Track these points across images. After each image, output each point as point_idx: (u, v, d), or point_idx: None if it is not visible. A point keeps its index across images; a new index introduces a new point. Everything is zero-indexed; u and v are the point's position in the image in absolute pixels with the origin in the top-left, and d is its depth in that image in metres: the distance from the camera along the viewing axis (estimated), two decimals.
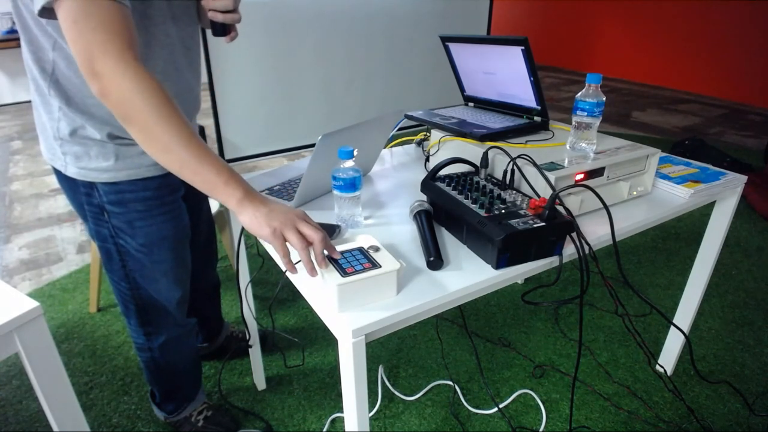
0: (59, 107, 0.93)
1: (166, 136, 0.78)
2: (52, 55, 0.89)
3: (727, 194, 1.30)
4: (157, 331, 1.21)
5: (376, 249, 0.84)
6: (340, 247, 0.85)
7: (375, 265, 0.80)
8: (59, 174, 1.02)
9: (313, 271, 0.80)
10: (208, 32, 1.05)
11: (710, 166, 1.34)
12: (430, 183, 1.05)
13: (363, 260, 0.81)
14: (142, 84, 0.76)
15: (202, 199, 1.32)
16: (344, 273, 0.78)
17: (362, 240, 0.88)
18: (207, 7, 0.99)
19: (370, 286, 0.79)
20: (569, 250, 0.93)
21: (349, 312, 0.77)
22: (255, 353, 1.51)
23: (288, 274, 0.93)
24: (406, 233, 1.01)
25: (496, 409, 1.50)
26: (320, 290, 0.83)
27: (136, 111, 0.77)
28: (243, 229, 1.10)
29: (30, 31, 0.88)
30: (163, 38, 0.97)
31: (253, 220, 0.81)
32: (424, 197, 1.09)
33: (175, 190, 1.10)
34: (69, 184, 1.02)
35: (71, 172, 0.99)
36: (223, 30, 1.03)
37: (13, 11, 0.88)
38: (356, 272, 0.78)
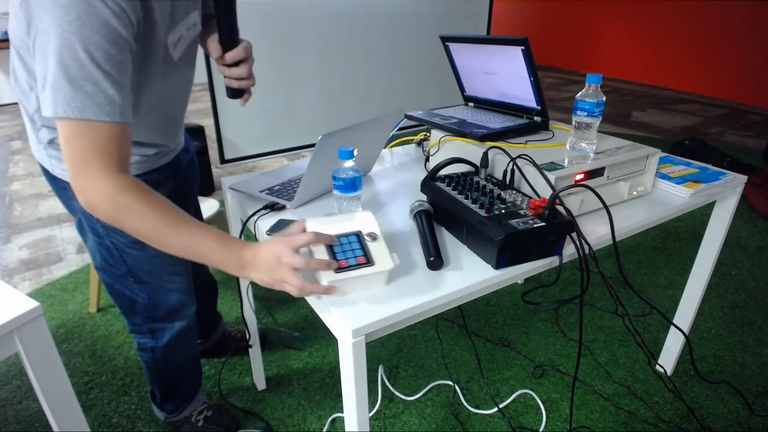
0: (41, 120, 0.94)
1: (154, 241, 0.82)
2: None
3: (727, 194, 1.30)
4: (162, 327, 1.21)
5: (374, 237, 0.83)
6: (337, 228, 0.83)
7: (369, 260, 0.80)
8: (47, 173, 1.03)
9: (330, 289, 0.79)
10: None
11: (710, 166, 1.34)
12: (430, 183, 1.05)
13: (358, 251, 0.81)
14: (119, 202, 0.79)
15: (190, 195, 1.31)
16: (337, 263, 0.78)
17: (361, 220, 0.86)
18: (222, 73, 1.03)
19: (359, 281, 0.79)
20: (569, 250, 0.93)
21: (346, 309, 0.77)
22: (255, 353, 1.51)
23: None
24: (406, 233, 1.01)
25: (496, 409, 1.50)
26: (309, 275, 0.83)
27: (119, 224, 0.81)
28: (243, 229, 1.11)
29: (23, 59, 0.87)
30: (155, 98, 0.98)
31: (258, 281, 0.82)
32: (424, 197, 1.09)
33: (159, 188, 1.09)
34: (57, 183, 1.03)
35: (58, 172, 1.00)
36: (238, 93, 1.07)
37: (10, 25, 0.86)
38: (349, 267, 0.78)
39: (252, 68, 1.05)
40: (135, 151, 1.03)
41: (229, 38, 1.00)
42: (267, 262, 0.79)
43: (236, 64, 1.02)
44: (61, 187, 1.03)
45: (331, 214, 0.82)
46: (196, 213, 1.39)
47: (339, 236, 0.82)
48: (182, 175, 1.22)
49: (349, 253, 0.80)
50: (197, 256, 0.82)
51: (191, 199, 1.34)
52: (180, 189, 1.19)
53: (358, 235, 0.83)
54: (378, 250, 0.82)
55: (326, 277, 0.77)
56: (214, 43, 1.03)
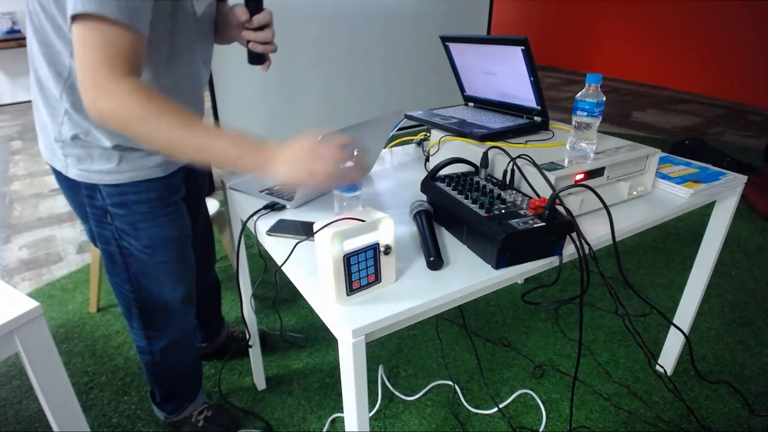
0: (66, 110, 0.93)
1: (167, 144, 0.83)
2: (69, 61, 0.89)
3: (727, 194, 1.30)
4: (159, 335, 1.21)
5: (387, 250, 0.81)
6: (360, 240, 0.78)
7: (377, 278, 0.81)
8: (59, 175, 1.02)
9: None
10: None
11: (710, 166, 1.34)
12: (430, 183, 1.05)
13: (371, 268, 0.80)
14: (130, 107, 0.79)
15: (200, 199, 1.32)
16: (350, 284, 0.78)
17: (383, 229, 0.80)
18: (247, 38, 1.07)
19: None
20: (569, 250, 0.93)
21: (346, 309, 0.77)
22: (255, 353, 1.51)
23: (288, 272, 0.93)
24: (406, 233, 1.01)
25: (496, 409, 1.50)
26: (317, 281, 0.83)
27: (131, 131, 0.81)
28: (243, 229, 1.11)
29: (46, 34, 0.88)
30: (188, 59, 1.00)
31: (285, 179, 0.85)
32: (424, 197, 1.09)
33: (177, 191, 1.10)
34: (69, 186, 1.02)
35: (72, 174, 0.98)
36: (260, 59, 1.11)
37: (28, 13, 0.88)
38: (360, 288, 0.79)
39: (274, 36, 1.09)
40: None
41: (256, 1, 1.05)
42: (299, 154, 0.82)
43: (261, 28, 1.06)
44: (74, 190, 1.02)
45: (348, 216, 0.79)
46: (205, 221, 1.39)
47: (358, 251, 0.78)
48: (193, 180, 1.23)
49: (363, 272, 0.79)
50: (213, 154, 0.83)
51: (201, 206, 1.34)
52: (190, 194, 1.19)
53: (375, 249, 0.80)
54: (387, 264, 0.82)
55: (339, 302, 0.78)
56: (240, 8, 1.06)
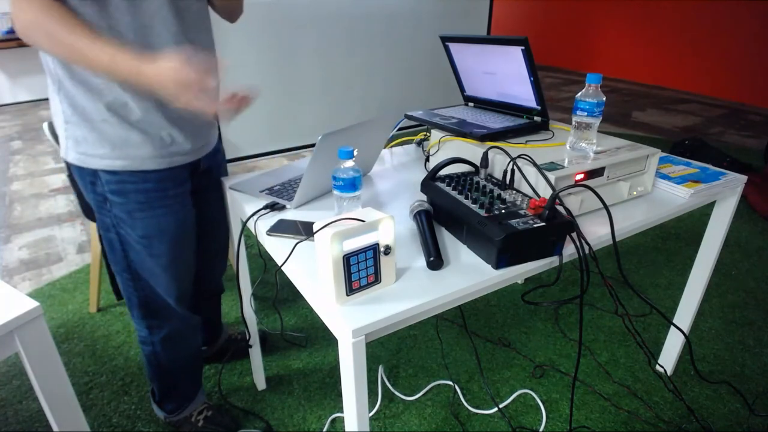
0: (59, 80, 0.96)
1: (62, 53, 0.88)
2: None
3: (727, 194, 1.30)
4: (159, 325, 1.22)
5: (387, 251, 0.81)
6: (360, 241, 0.78)
7: (377, 278, 0.81)
8: (65, 162, 1.05)
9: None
10: None
11: (710, 166, 1.34)
12: (430, 183, 1.05)
13: (371, 268, 0.80)
14: (39, 16, 0.84)
15: (207, 200, 1.26)
16: (350, 284, 0.78)
17: (383, 230, 0.80)
18: None
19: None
20: (569, 250, 0.93)
21: (347, 309, 0.77)
22: (255, 353, 1.51)
23: (288, 272, 0.93)
24: (406, 233, 1.01)
25: (496, 409, 1.50)
26: (317, 282, 0.83)
27: (25, 35, 0.87)
28: (243, 229, 1.11)
29: None
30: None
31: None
32: (424, 197, 1.09)
33: (180, 184, 1.10)
34: (78, 172, 1.05)
35: (72, 157, 1.01)
36: None
37: None
38: (360, 288, 0.80)
39: None
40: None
41: None
42: (160, 86, 0.88)
43: None
44: (81, 176, 1.05)
45: (348, 216, 0.79)
46: (223, 220, 1.33)
47: (358, 251, 0.78)
48: (197, 179, 1.17)
49: (363, 272, 0.79)
50: (89, 59, 0.88)
51: (208, 207, 1.27)
52: (195, 190, 1.17)
53: (375, 250, 0.80)
54: (387, 264, 0.82)
55: (339, 302, 0.78)
56: None
